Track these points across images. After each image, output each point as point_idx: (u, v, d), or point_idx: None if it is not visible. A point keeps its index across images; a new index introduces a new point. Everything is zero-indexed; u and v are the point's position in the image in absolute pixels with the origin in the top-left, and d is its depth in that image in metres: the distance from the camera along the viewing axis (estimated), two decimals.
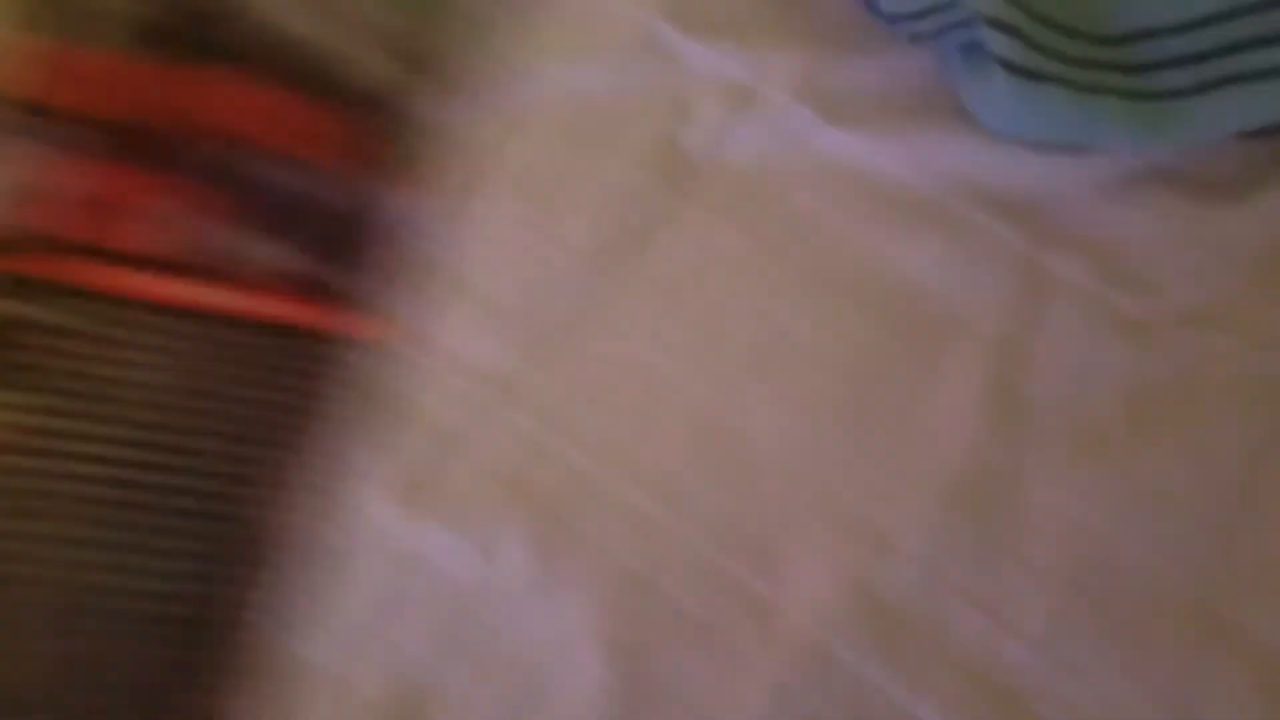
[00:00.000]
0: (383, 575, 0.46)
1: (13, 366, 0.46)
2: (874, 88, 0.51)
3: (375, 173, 0.51)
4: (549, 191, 0.51)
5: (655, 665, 0.45)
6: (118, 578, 0.45)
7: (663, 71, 0.52)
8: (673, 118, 0.51)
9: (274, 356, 0.49)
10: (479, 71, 0.52)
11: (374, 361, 0.49)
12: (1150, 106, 0.47)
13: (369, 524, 0.47)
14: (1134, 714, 0.43)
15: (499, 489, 0.47)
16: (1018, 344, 0.48)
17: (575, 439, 0.48)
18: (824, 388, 0.48)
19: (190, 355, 0.48)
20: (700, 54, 0.52)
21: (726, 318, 0.49)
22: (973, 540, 0.46)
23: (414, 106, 0.52)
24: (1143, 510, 0.45)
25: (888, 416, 0.47)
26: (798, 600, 0.46)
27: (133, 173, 0.49)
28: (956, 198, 0.49)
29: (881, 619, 0.45)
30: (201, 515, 0.46)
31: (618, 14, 0.54)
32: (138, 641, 0.44)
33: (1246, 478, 0.45)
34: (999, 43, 0.45)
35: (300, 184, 0.50)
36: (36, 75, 0.48)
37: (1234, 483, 0.45)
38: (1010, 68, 0.45)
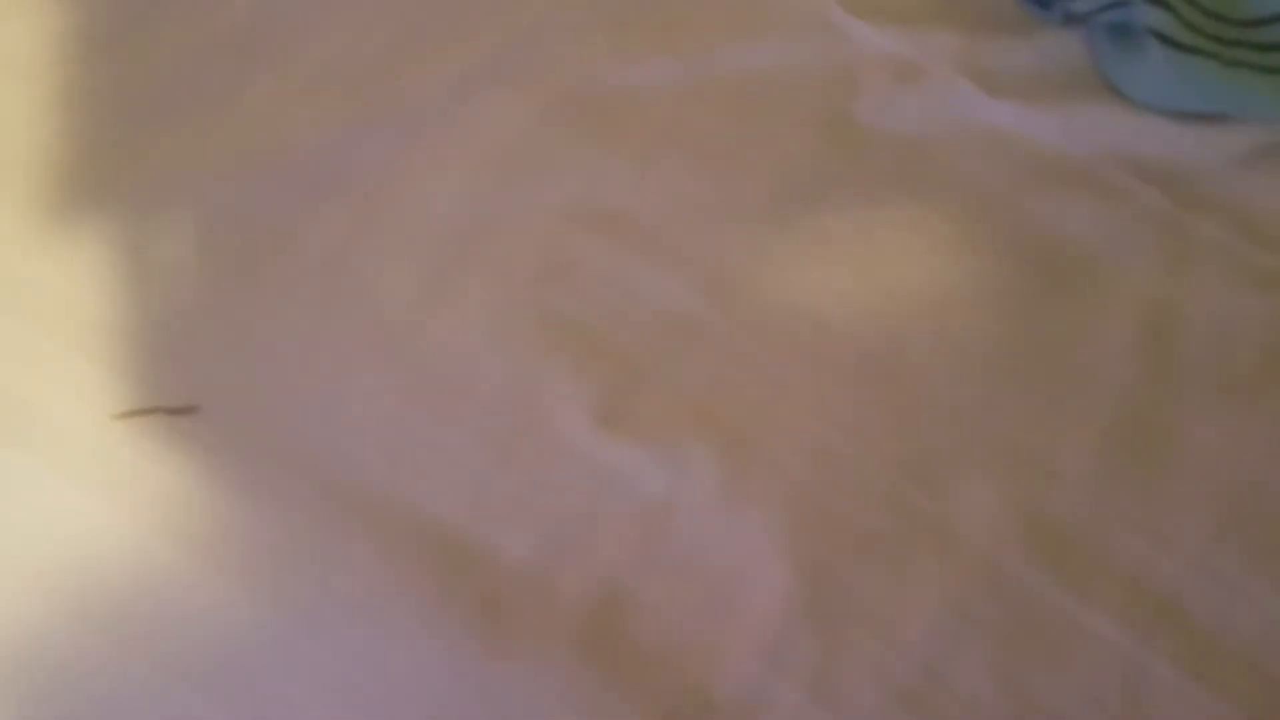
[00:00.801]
0: (584, 488, 0.50)
1: None
2: (1028, 65, 0.56)
3: None
4: (730, 152, 0.56)
5: (837, 577, 0.49)
6: None
7: (834, 49, 0.57)
8: (843, 90, 0.57)
9: None
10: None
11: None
12: None
13: (570, 441, 0.51)
14: None
15: (687, 415, 0.51)
16: (1166, 295, 0.52)
17: (755, 374, 0.52)
18: (988, 332, 0.52)
19: None
20: (868, 34, 0.57)
21: (893, 268, 0.54)
22: (1131, 469, 0.50)
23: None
24: None
25: (1049, 358, 0.52)
26: (969, 520, 0.49)
27: None
28: (1106, 164, 0.54)
29: (1048, 537, 0.49)
30: None
31: None
32: None
33: None
34: (1155, 17, 0.50)
35: None
36: None
37: None
38: (1164, 40, 0.51)
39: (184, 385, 0.51)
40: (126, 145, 0.57)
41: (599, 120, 0.58)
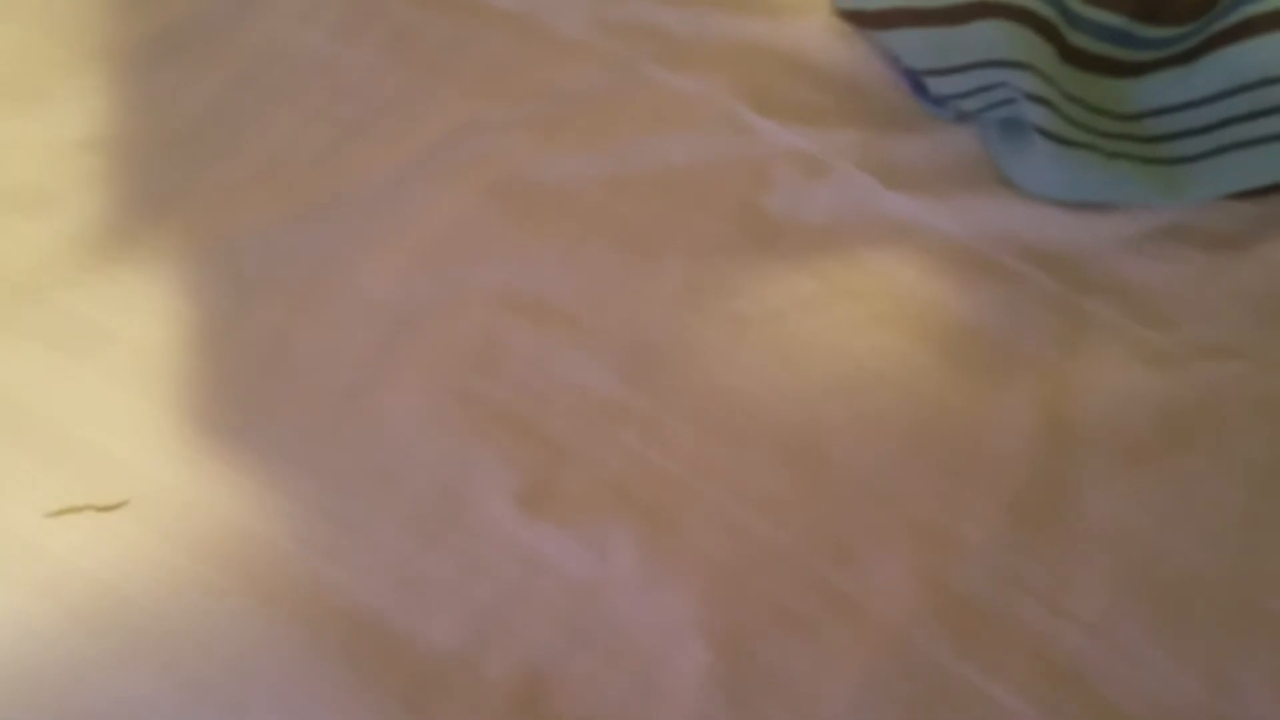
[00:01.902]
0: (509, 572, 0.52)
1: None
2: (925, 159, 0.60)
3: None
4: (650, 241, 0.59)
5: (755, 653, 0.50)
6: None
7: (745, 145, 0.61)
8: (755, 183, 0.60)
9: None
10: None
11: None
12: (1165, 170, 0.56)
13: (496, 525, 0.52)
14: (1182, 691, 0.49)
15: (610, 496, 0.53)
16: (1063, 373, 0.55)
17: (675, 454, 0.54)
18: (897, 411, 0.55)
19: None
20: (776, 131, 0.61)
21: (806, 351, 0.56)
22: (1033, 541, 0.52)
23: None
24: (1181, 513, 0.52)
25: (954, 435, 0.54)
26: (881, 595, 0.51)
27: None
28: (1002, 251, 0.58)
29: (955, 610, 0.50)
30: None
31: (703, 98, 0.63)
32: None
33: (1270, 481, 0.52)
34: (1039, 115, 0.54)
35: None
36: None
37: (1259, 486, 0.52)
38: (1047, 135, 0.54)
39: (116, 476, 0.52)
40: None
41: (527, 211, 0.60)
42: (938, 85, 0.59)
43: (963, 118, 0.60)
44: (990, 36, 0.58)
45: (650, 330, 0.57)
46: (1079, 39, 0.59)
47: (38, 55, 0.65)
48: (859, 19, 0.64)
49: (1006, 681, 0.49)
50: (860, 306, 0.57)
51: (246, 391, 0.55)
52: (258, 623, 0.50)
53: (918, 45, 0.61)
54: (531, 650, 0.50)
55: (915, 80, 0.62)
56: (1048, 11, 0.58)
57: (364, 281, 0.58)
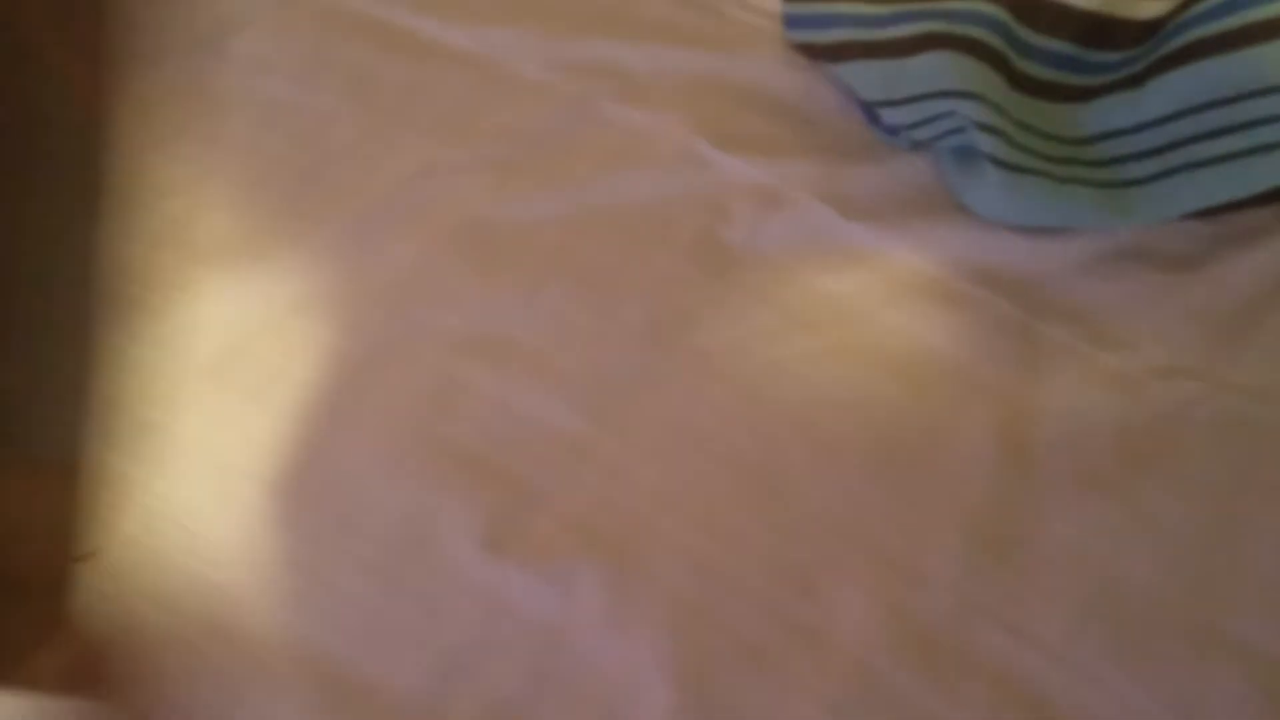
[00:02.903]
0: (474, 614, 0.52)
1: None
2: (882, 187, 0.60)
3: None
4: (610, 278, 0.59)
5: (718, 687, 0.50)
6: None
7: (703, 180, 0.61)
8: (712, 216, 0.60)
9: None
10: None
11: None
12: (1116, 193, 0.56)
13: (461, 568, 0.53)
14: (1144, 713, 0.49)
15: (574, 535, 0.53)
16: (1021, 397, 0.55)
17: (639, 491, 0.55)
18: (856, 440, 0.55)
19: None
20: (734, 164, 0.61)
21: (766, 383, 0.57)
22: (993, 567, 0.52)
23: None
24: (1141, 535, 0.52)
25: (913, 463, 0.54)
26: (842, 626, 0.51)
27: None
28: (959, 277, 0.58)
29: (916, 638, 0.51)
30: None
31: (661, 134, 0.63)
32: None
33: (1227, 502, 0.52)
34: (988, 143, 0.54)
35: None
36: None
37: (1218, 507, 0.52)
38: (998, 163, 0.54)
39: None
40: None
41: (486, 253, 0.61)
42: (890, 116, 0.60)
43: (918, 146, 0.60)
44: (939, 67, 0.58)
45: (611, 367, 0.57)
46: (1028, 66, 0.60)
47: None
48: (811, 51, 0.65)
49: (968, 708, 0.49)
50: (819, 337, 0.57)
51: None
52: (226, 675, 0.50)
53: (868, 77, 0.61)
54: (498, 692, 0.50)
55: (869, 110, 0.63)
56: (996, 41, 0.59)
57: (323, 328, 0.59)
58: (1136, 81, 0.59)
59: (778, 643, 0.51)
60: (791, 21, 0.67)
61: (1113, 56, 0.60)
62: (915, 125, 0.59)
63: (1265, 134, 0.56)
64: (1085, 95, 0.60)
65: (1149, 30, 0.59)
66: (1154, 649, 0.50)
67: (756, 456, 0.55)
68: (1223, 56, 0.56)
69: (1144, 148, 0.57)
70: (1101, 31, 0.60)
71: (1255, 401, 0.54)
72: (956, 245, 0.58)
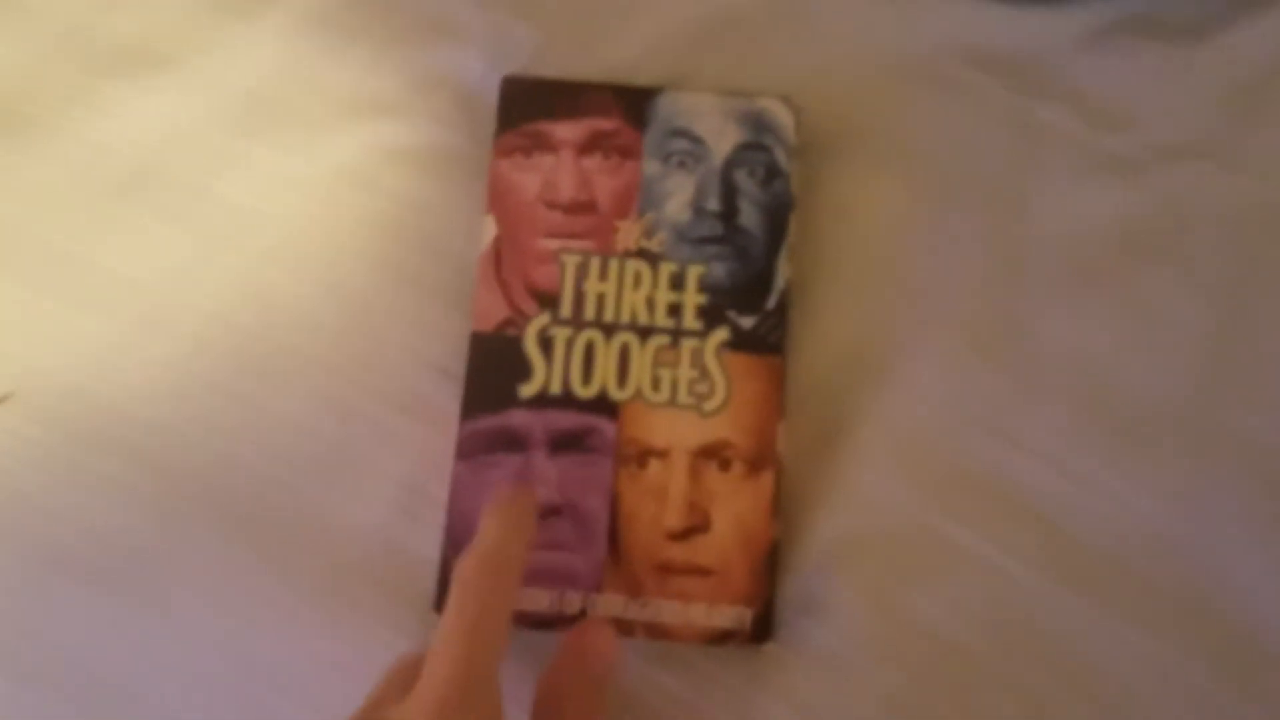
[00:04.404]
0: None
1: None
2: None
3: None
4: None
5: None
6: None
7: None
8: None
9: None
10: None
11: None
12: None
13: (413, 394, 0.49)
14: (1144, 518, 0.46)
15: None
16: (1015, 191, 0.51)
17: None
18: None
19: None
20: None
21: None
22: (987, 374, 0.48)
23: None
24: (1141, 331, 0.48)
25: (903, 267, 0.50)
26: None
27: None
28: (947, 58, 0.52)
29: (913, 457, 0.48)
30: None
31: None
32: None
33: (1233, 293, 0.49)
34: None
35: None
36: None
37: (1223, 298, 0.49)
38: None
39: None
40: None
41: None
42: None
43: None
44: None
45: None
46: None
47: None
48: None
49: (962, 521, 0.47)
50: None
51: None
52: (165, 512, 0.47)
53: None
54: None
55: None
56: None
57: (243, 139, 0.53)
58: None
59: None
60: None
61: None
62: None
63: None
64: None
65: None
66: (1153, 448, 0.47)
67: None
68: None
69: None
70: None
71: (1268, 182, 0.50)
72: (943, 23, 0.52)
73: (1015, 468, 0.47)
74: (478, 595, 0.37)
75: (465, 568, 0.38)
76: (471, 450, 0.47)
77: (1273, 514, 0.46)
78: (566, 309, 0.48)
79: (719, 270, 0.48)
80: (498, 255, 0.49)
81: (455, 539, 0.46)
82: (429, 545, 0.46)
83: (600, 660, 0.40)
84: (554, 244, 0.49)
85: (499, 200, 0.49)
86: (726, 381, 0.47)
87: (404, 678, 0.36)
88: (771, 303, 0.48)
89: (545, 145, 0.50)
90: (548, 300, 0.48)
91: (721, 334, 0.48)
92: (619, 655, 0.41)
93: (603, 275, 0.49)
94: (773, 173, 0.49)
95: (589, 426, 0.47)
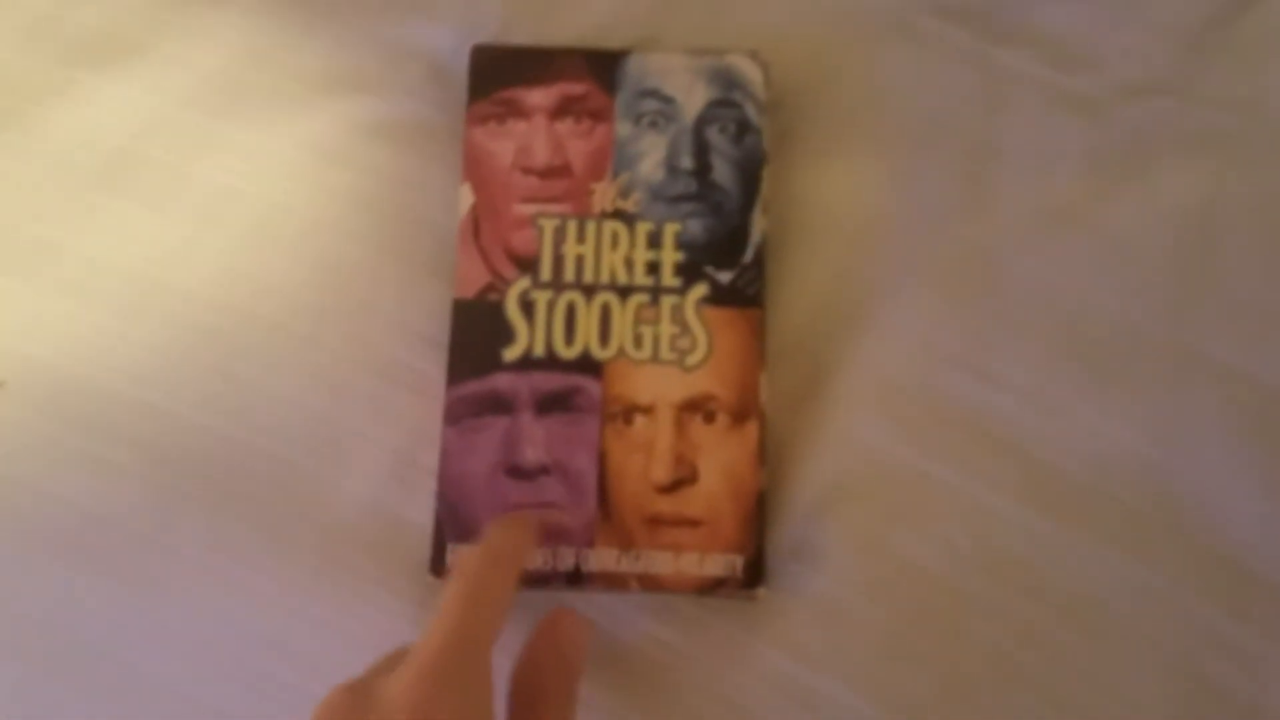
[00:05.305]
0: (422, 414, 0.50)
1: None
2: None
3: None
4: None
5: None
6: None
7: None
8: None
9: None
10: None
11: None
12: None
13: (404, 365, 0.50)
14: (1121, 445, 0.47)
15: None
16: (982, 133, 0.51)
17: None
18: None
19: None
20: None
21: None
22: (959, 312, 0.49)
23: None
24: (1111, 264, 0.49)
25: (876, 215, 0.51)
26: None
27: None
28: (912, 8, 0.53)
29: (891, 397, 0.49)
30: None
31: None
32: None
33: (1202, 222, 0.50)
34: None
35: None
36: None
37: (1192, 228, 0.50)
38: None
39: None
40: None
41: None
42: None
43: None
44: None
45: None
46: None
47: None
48: None
49: (939, 456, 0.48)
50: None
51: None
52: (160, 492, 0.48)
53: None
54: None
55: None
56: None
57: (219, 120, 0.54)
58: None
59: None
60: None
61: None
62: None
63: None
64: None
65: None
66: (1128, 379, 0.48)
67: None
68: None
69: None
70: None
71: (1228, 112, 0.51)
72: None
73: (994, 404, 0.48)
74: (476, 577, 0.38)
75: (466, 557, 0.39)
76: (459, 415, 0.47)
77: (1247, 433, 0.47)
78: (546, 272, 0.49)
79: (695, 227, 0.49)
80: (476, 222, 0.49)
81: (447, 503, 0.46)
82: (423, 512, 0.47)
83: (573, 648, 0.40)
84: (531, 209, 0.50)
85: (474, 168, 0.50)
86: (707, 336, 0.48)
87: (399, 658, 0.37)
88: (748, 256, 0.49)
89: (517, 112, 0.50)
90: (527, 264, 0.49)
91: (700, 289, 0.49)
92: (591, 642, 0.41)
93: (580, 237, 0.49)
94: (744, 128, 0.50)
95: (574, 386, 0.48)
